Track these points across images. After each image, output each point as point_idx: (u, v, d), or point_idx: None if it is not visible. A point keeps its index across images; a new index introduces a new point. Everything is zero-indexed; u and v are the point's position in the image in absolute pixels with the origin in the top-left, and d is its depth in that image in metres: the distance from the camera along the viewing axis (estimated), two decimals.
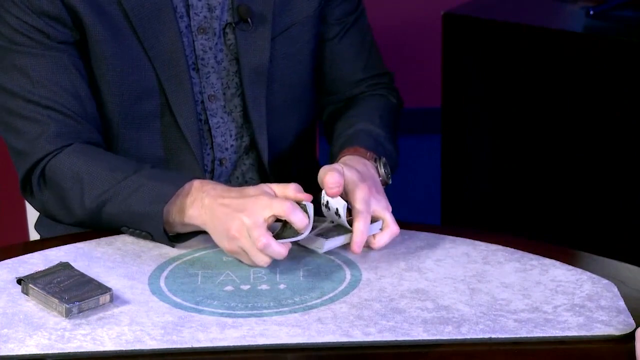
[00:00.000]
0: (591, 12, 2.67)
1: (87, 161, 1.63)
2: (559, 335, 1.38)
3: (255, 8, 1.73)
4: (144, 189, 1.58)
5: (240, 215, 1.49)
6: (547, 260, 1.56)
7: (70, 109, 1.66)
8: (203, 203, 1.54)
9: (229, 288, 1.50)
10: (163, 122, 1.72)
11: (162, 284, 1.51)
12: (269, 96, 1.76)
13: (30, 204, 1.73)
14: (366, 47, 1.87)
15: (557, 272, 1.53)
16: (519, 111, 2.71)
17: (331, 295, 1.48)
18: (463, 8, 2.79)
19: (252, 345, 1.37)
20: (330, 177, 1.51)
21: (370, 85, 1.87)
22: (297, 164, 1.85)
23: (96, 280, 1.48)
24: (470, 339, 1.37)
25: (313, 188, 1.55)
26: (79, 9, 1.64)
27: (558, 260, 1.56)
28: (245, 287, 1.50)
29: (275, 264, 1.54)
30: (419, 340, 1.37)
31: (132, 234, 1.61)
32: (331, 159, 1.74)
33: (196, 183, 1.57)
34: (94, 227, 1.64)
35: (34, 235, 1.95)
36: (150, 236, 1.59)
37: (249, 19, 1.71)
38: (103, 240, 1.62)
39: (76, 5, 1.64)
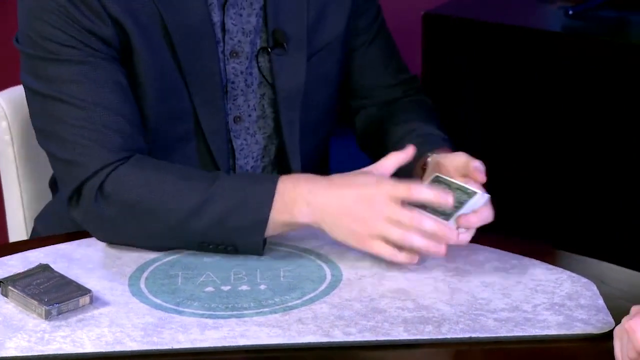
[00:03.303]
0: (570, 12, 2.68)
1: (158, 174, 1.57)
2: (538, 334, 1.38)
3: (290, 31, 1.71)
4: (237, 197, 1.54)
5: (371, 206, 1.49)
6: (527, 260, 1.56)
7: (124, 119, 1.60)
8: (309, 201, 1.53)
9: (209, 289, 1.49)
10: (193, 145, 1.70)
11: (142, 285, 1.51)
12: (301, 118, 1.76)
13: (75, 217, 1.61)
14: (394, 52, 1.87)
15: (537, 271, 1.53)
16: (499, 111, 2.72)
17: (312, 295, 1.48)
18: (443, 8, 2.80)
19: (233, 346, 1.37)
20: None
21: (406, 90, 1.86)
22: None
23: (76, 282, 1.48)
24: (451, 338, 1.38)
25: None
26: (128, 30, 1.61)
27: (538, 259, 1.56)
28: (226, 288, 1.49)
29: (255, 264, 1.54)
30: (400, 340, 1.37)
31: (207, 249, 1.57)
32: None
33: (288, 182, 1.55)
34: (168, 245, 1.59)
35: (13, 237, 1.94)
36: (235, 249, 1.56)
37: (284, 44, 1.71)
38: (83, 241, 1.62)
39: (127, 28, 1.61)
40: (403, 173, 1.61)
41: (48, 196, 1.90)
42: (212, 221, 1.54)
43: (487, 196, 1.54)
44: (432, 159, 1.65)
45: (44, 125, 1.63)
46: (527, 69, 2.64)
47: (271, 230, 1.55)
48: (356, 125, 1.89)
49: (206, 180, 1.56)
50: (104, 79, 1.60)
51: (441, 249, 1.50)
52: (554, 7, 2.75)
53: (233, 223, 1.54)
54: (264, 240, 1.56)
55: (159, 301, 1.46)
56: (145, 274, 1.53)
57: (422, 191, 1.50)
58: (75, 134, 1.59)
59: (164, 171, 1.58)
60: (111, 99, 1.60)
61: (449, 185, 1.55)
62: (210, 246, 1.56)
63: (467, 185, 1.54)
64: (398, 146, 1.70)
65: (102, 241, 1.60)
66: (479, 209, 1.53)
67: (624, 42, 2.56)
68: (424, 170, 1.66)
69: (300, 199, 1.53)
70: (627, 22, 2.66)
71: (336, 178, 1.56)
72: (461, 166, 1.58)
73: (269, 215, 1.53)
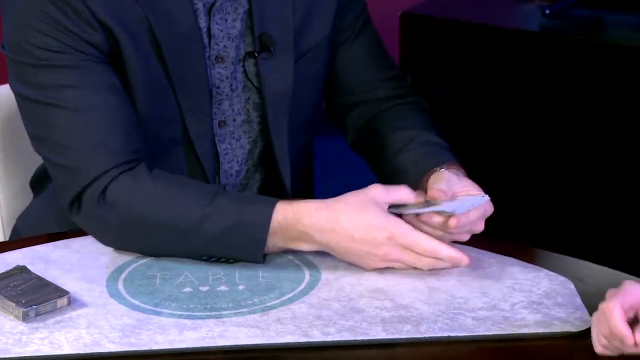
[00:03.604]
0: (547, 12, 2.69)
1: (159, 187, 1.57)
2: (516, 332, 1.39)
3: (276, 35, 1.71)
4: (234, 218, 1.54)
5: (379, 246, 1.51)
6: (505, 258, 1.57)
7: (122, 120, 1.60)
8: (313, 239, 1.53)
9: (187, 289, 1.49)
10: (180, 149, 1.70)
11: (120, 286, 1.50)
12: (289, 120, 1.75)
13: (77, 222, 1.60)
14: (380, 48, 1.85)
15: (515, 270, 1.54)
16: (477, 110, 2.73)
17: (290, 295, 1.48)
18: (420, 8, 2.80)
19: (211, 346, 1.36)
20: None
21: (396, 88, 1.85)
22: (298, 184, 1.84)
23: (53, 284, 1.47)
24: (429, 337, 1.38)
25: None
26: (119, 38, 1.60)
27: (516, 258, 1.57)
28: (204, 289, 1.49)
29: (233, 265, 1.54)
30: (378, 339, 1.37)
31: (209, 260, 1.57)
32: (384, 169, 1.75)
33: (288, 212, 1.54)
34: (171, 255, 1.58)
35: None
36: (236, 261, 1.56)
37: (271, 48, 1.70)
38: (60, 243, 1.61)
39: (116, 35, 1.60)
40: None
41: (27, 195, 1.89)
42: (209, 240, 1.54)
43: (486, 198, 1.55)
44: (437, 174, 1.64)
45: (39, 132, 1.62)
46: (504, 68, 2.65)
47: (268, 250, 1.55)
48: (347, 126, 1.86)
49: (206, 197, 1.55)
50: (99, 81, 1.59)
51: (463, 259, 1.51)
52: (530, 7, 2.76)
53: (230, 243, 1.54)
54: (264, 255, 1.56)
55: (137, 302, 1.46)
56: (123, 275, 1.53)
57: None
58: (73, 139, 1.58)
59: (167, 185, 1.57)
60: (108, 102, 1.59)
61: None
62: (213, 258, 1.57)
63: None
64: (400, 156, 1.71)
65: (107, 246, 1.60)
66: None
67: (599, 41, 2.57)
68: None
69: (303, 236, 1.53)
70: (602, 21, 2.68)
71: (340, 211, 1.53)
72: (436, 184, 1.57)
73: (266, 238, 1.53)
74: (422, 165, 1.67)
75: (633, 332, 1.28)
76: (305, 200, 1.55)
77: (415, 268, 1.52)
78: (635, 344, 1.28)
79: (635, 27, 2.64)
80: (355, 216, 1.51)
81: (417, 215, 1.53)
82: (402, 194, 1.55)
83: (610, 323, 1.29)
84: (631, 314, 1.31)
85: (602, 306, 1.31)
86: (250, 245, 1.53)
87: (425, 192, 1.60)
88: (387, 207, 1.53)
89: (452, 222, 1.52)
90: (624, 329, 1.28)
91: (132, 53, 1.61)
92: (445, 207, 1.52)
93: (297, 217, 1.53)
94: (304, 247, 1.55)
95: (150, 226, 1.55)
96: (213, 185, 1.65)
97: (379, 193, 1.53)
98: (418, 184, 1.64)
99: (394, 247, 1.51)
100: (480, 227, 1.57)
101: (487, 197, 1.55)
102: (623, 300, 1.31)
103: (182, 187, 1.57)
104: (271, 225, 1.53)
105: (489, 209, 1.57)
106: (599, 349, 1.33)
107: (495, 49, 2.65)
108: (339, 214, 1.52)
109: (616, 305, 1.30)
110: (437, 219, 1.52)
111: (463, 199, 1.55)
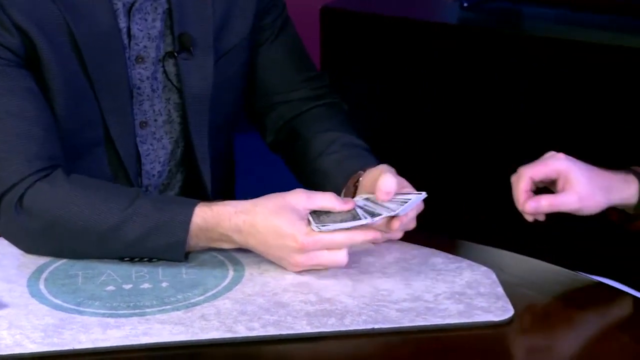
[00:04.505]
0: (465, 4, 2.72)
1: (78, 192, 1.55)
2: (440, 323, 1.40)
3: (196, 34, 1.70)
4: (154, 220, 1.53)
5: (291, 253, 1.50)
6: (427, 250, 1.58)
7: (37, 126, 1.58)
8: (233, 240, 1.53)
9: (110, 288, 1.48)
10: (103, 150, 1.68)
11: (41, 286, 1.49)
12: (210, 121, 1.74)
13: None
14: (299, 49, 1.85)
15: (437, 261, 1.55)
16: (398, 103, 2.74)
17: (214, 291, 1.47)
18: (340, 2, 2.81)
19: (135, 344, 1.35)
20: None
21: (315, 89, 1.85)
22: (219, 183, 1.83)
23: None
24: (353, 330, 1.38)
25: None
26: (36, 41, 1.58)
27: (438, 249, 1.58)
28: (127, 287, 1.48)
29: (157, 262, 1.53)
30: (303, 333, 1.38)
31: (130, 260, 1.56)
32: (311, 175, 1.74)
33: (207, 213, 1.53)
34: (90, 257, 1.56)
35: None
36: (158, 260, 1.56)
37: (190, 48, 1.69)
38: None
39: (33, 38, 1.58)
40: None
41: None
42: (129, 242, 1.53)
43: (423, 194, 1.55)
44: (363, 178, 1.64)
45: None
46: (425, 61, 2.67)
47: (190, 249, 1.55)
48: (266, 127, 1.86)
49: (125, 200, 1.54)
50: (14, 87, 1.58)
51: (376, 235, 1.51)
52: (449, 0, 2.78)
53: (150, 245, 1.53)
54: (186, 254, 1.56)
55: (59, 302, 1.44)
56: (44, 275, 1.51)
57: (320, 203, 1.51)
58: None
59: (84, 190, 1.56)
60: (23, 108, 1.58)
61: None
62: (135, 259, 1.55)
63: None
64: (322, 158, 1.71)
65: (27, 253, 1.58)
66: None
67: (517, 33, 2.60)
68: (356, 187, 1.64)
69: (224, 237, 1.53)
70: (519, 14, 2.71)
71: (257, 215, 1.52)
72: (373, 181, 1.57)
73: (185, 239, 1.52)
74: (344, 167, 1.68)
75: (537, 200, 1.53)
76: (225, 202, 1.55)
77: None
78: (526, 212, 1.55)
79: (553, 19, 2.68)
80: (269, 222, 1.50)
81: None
82: (325, 200, 1.51)
83: (513, 189, 1.55)
84: (543, 182, 1.56)
85: (517, 171, 1.55)
86: (170, 247, 1.53)
87: (353, 195, 1.61)
88: (308, 213, 1.51)
89: (396, 223, 1.53)
90: (519, 195, 1.55)
91: (49, 56, 1.60)
92: (385, 211, 1.51)
93: (216, 221, 1.52)
94: (226, 246, 1.55)
95: (69, 231, 1.54)
96: (134, 188, 1.64)
97: (299, 199, 1.51)
98: (340, 187, 1.65)
99: (306, 255, 1.50)
100: (414, 225, 1.58)
101: (424, 194, 1.55)
102: (536, 170, 1.55)
103: (101, 191, 1.56)
104: (191, 228, 1.52)
105: (421, 205, 1.58)
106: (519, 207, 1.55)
107: (415, 42, 2.66)
108: (255, 218, 1.51)
109: (524, 174, 1.55)
110: (381, 221, 1.52)
111: (401, 198, 1.54)
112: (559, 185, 1.55)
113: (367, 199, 1.54)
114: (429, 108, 2.70)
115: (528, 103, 2.55)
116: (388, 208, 1.51)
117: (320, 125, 1.79)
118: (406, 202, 1.52)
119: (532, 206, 1.54)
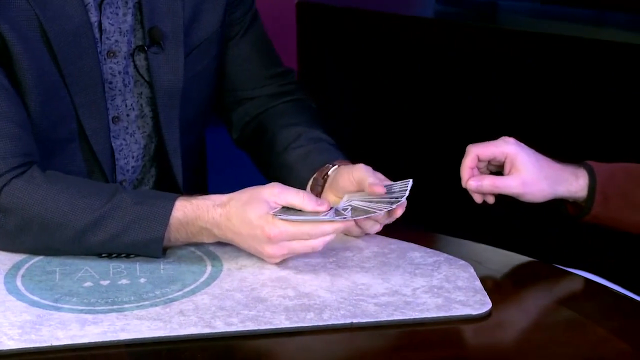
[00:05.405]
0: None
1: (55, 189, 1.54)
2: (418, 317, 1.40)
3: (166, 29, 1.69)
4: (133, 215, 1.52)
5: (259, 244, 1.50)
6: (405, 244, 1.58)
7: (11, 122, 1.57)
8: (213, 234, 1.53)
9: (88, 284, 1.48)
10: (77, 145, 1.67)
11: (18, 282, 1.48)
12: (181, 115, 1.74)
13: None
14: (266, 45, 1.86)
15: (415, 255, 1.55)
16: (376, 97, 2.75)
17: (192, 287, 1.47)
18: None
19: (113, 340, 1.35)
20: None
21: (281, 85, 1.85)
22: (191, 177, 1.83)
23: None
24: (332, 324, 1.39)
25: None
26: (6, 37, 1.57)
27: (415, 243, 1.58)
28: (105, 283, 1.48)
29: (134, 258, 1.53)
30: (282, 328, 1.38)
31: (108, 256, 1.56)
32: (278, 169, 1.74)
33: (188, 208, 1.53)
34: (67, 254, 1.56)
35: None
36: (136, 255, 1.55)
37: (160, 42, 1.69)
38: None
39: (4, 34, 1.57)
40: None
41: None
42: (108, 237, 1.52)
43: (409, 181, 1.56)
44: (332, 172, 1.65)
45: None
46: (400, 54, 2.67)
47: (171, 244, 1.55)
48: (233, 122, 1.87)
49: (104, 196, 1.54)
50: None
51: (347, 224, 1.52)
52: None
53: (129, 239, 1.52)
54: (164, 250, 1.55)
55: (36, 298, 1.44)
56: (21, 272, 1.51)
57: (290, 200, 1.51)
58: None
59: (61, 186, 1.55)
60: (2, 106, 1.56)
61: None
62: (113, 255, 1.55)
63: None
64: (288, 152, 1.72)
65: (4, 251, 1.57)
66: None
67: (492, 26, 2.60)
68: (325, 180, 1.65)
69: (204, 231, 1.53)
70: (495, 7, 2.72)
71: (232, 208, 1.52)
72: (359, 181, 1.58)
73: (164, 234, 1.52)
74: (310, 161, 1.68)
75: (480, 179, 1.58)
76: (205, 196, 1.55)
77: (311, 256, 1.53)
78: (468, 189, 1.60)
79: (528, 13, 2.68)
80: (242, 213, 1.51)
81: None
82: (296, 198, 1.50)
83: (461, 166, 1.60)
84: (492, 163, 1.61)
85: (466, 149, 1.59)
86: (148, 242, 1.52)
87: (321, 190, 1.62)
88: (279, 207, 1.50)
89: (398, 210, 1.54)
90: (463, 172, 1.60)
91: (21, 51, 1.59)
92: (382, 207, 1.51)
93: (196, 214, 1.52)
94: (207, 240, 1.55)
95: (47, 228, 1.53)
96: (112, 184, 1.63)
97: (271, 192, 1.51)
98: (306, 180, 1.65)
99: (277, 245, 1.50)
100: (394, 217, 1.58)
101: (411, 181, 1.56)
102: (484, 149, 1.60)
103: (78, 187, 1.55)
104: (171, 222, 1.52)
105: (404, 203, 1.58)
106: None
107: (391, 36, 2.67)
108: (231, 210, 1.52)
109: (471, 150, 1.60)
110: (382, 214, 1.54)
111: (392, 187, 1.55)
112: (506, 168, 1.60)
113: (351, 200, 1.55)
114: (405, 102, 2.70)
115: (503, 96, 2.56)
116: (382, 201, 1.52)
117: (286, 120, 1.80)
118: (404, 189, 1.53)
119: (475, 185, 1.59)
